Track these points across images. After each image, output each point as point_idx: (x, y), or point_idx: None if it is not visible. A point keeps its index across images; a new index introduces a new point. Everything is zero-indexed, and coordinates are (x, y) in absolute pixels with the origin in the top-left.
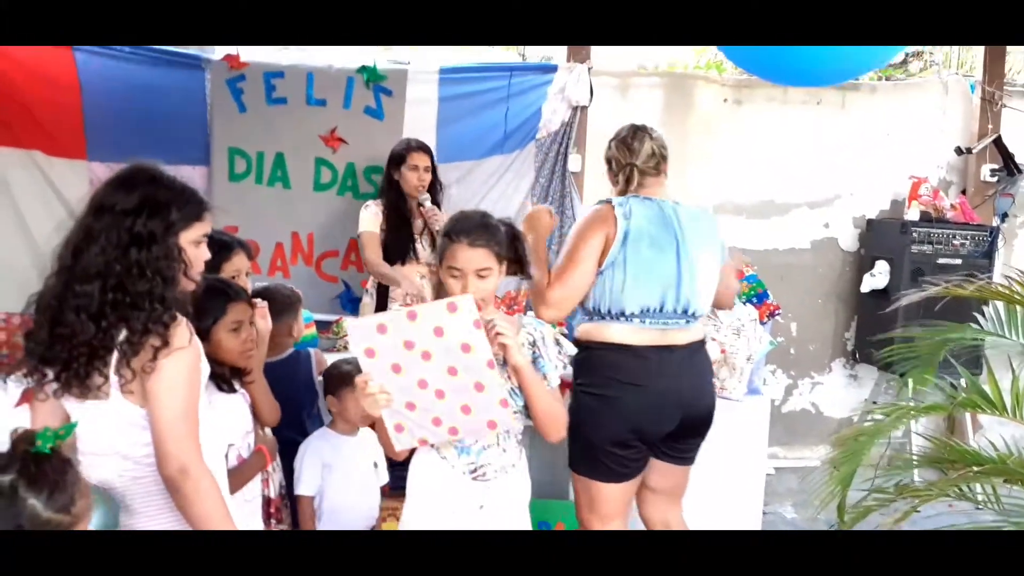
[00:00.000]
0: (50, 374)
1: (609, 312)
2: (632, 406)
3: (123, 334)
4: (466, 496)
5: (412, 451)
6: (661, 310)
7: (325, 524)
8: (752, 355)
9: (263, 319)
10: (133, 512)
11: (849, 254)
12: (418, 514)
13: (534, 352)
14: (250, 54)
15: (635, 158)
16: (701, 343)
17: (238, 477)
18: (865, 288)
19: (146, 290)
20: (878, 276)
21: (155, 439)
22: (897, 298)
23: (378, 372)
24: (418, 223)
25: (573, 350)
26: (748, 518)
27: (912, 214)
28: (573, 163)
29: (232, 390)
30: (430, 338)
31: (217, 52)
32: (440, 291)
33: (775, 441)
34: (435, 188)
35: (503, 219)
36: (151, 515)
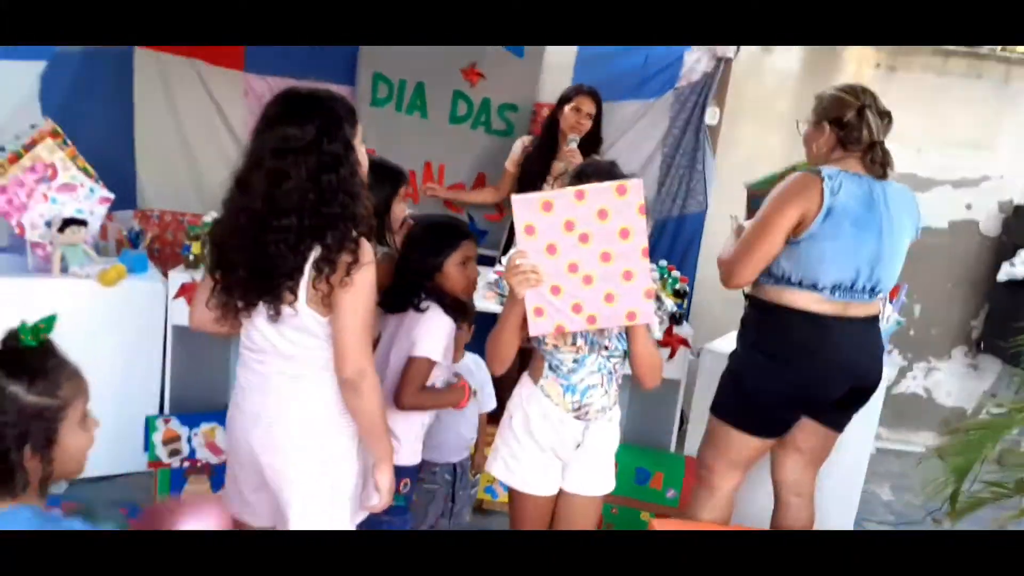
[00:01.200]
0: (237, 298)
1: (800, 282)
2: (805, 371)
3: (315, 252)
4: (567, 433)
5: (512, 385)
6: (852, 287)
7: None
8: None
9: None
10: None
11: (988, 239)
12: (515, 446)
13: None
14: None
15: (884, 134)
16: (877, 316)
17: (433, 397)
18: (1002, 277)
19: (339, 212)
20: (1019, 266)
21: (339, 344)
22: None
23: (533, 251)
24: (559, 164)
25: (672, 307)
26: (847, 494)
27: None
28: (710, 116)
29: (453, 318)
30: (592, 219)
31: None
32: None
33: (881, 422)
34: (596, 139)
35: (632, 174)
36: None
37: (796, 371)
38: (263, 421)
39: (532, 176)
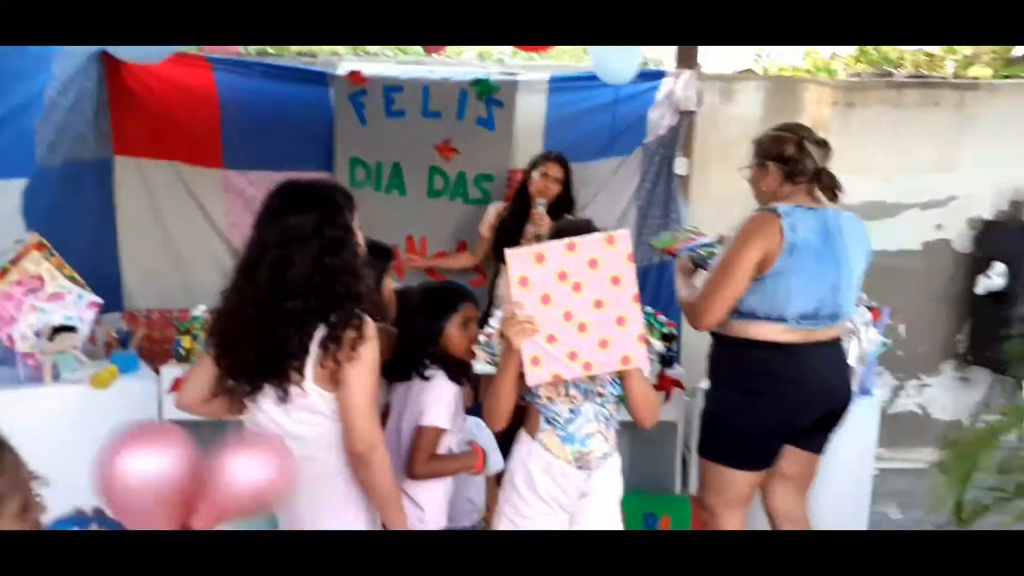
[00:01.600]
0: (244, 383)
1: (767, 316)
2: (784, 399)
3: (320, 332)
4: (569, 484)
5: (511, 441)
6: (816, 315)
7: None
8: (864, 356)
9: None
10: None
11: (962, 256)
12: (520, 504)
13: None
14: (371, 69)
15: (825, 161)
16: (839, 339)
17: (447, 464)
18: (980, 290)
19: (344, 292)
20: (994, 278)
21: (349, 419)
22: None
23: (528, 302)
24: (530, 228)
25: (661, 350)
26: (856, 518)
27: None
28: (679, 167)
29: (458, 381)
30: (584, 269)
31: (341, 68)
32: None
33: (881, 443)
34: (567, 202)
35: (605, 228)
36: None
37: (774, 401)
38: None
39: (506, 240)
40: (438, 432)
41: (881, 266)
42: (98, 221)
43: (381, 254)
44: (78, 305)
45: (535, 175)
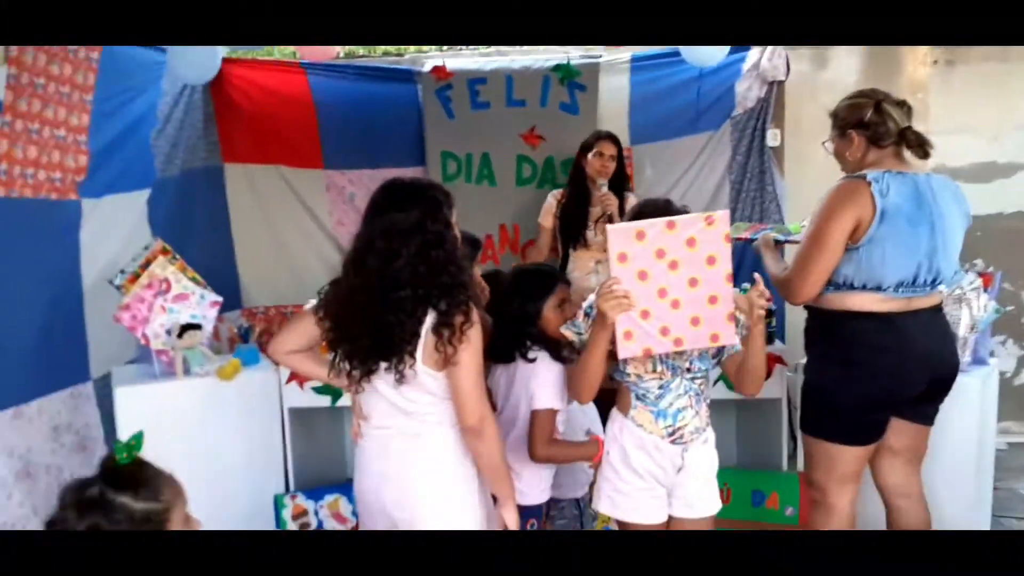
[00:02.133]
0: (358, 366)
1: (863, 285)
2: (883, 370)
3: (430, 318)
4: (665, 459)
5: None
6: (914, 282)
7: (544, 481)
8: (976, 324)
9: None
10: None
11: None
12: (616, 480)
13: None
14: (454, 63)
15: (908, 120)
16: (940, 305)
17: (566, 450)
18: None
19: (449, 281)
20: None
21: (461, 396)
22: None
23: (626, 277)
24: (595, 210)
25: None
26: (978, 493)
27: None
28: (771, 138)
29: (561, 360)
30: (682, 247)
31: (427, 65)
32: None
33: (1008, 415)
34: (622, 178)
35: (685, 207)
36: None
37: (874, 372)
38: (391, 480)
39: (573, 225)
40: (552, 413)
41: (998, 229)
42: (214, 226)
43: (470, 244)
44: (201, 304)
45: (590, 157)
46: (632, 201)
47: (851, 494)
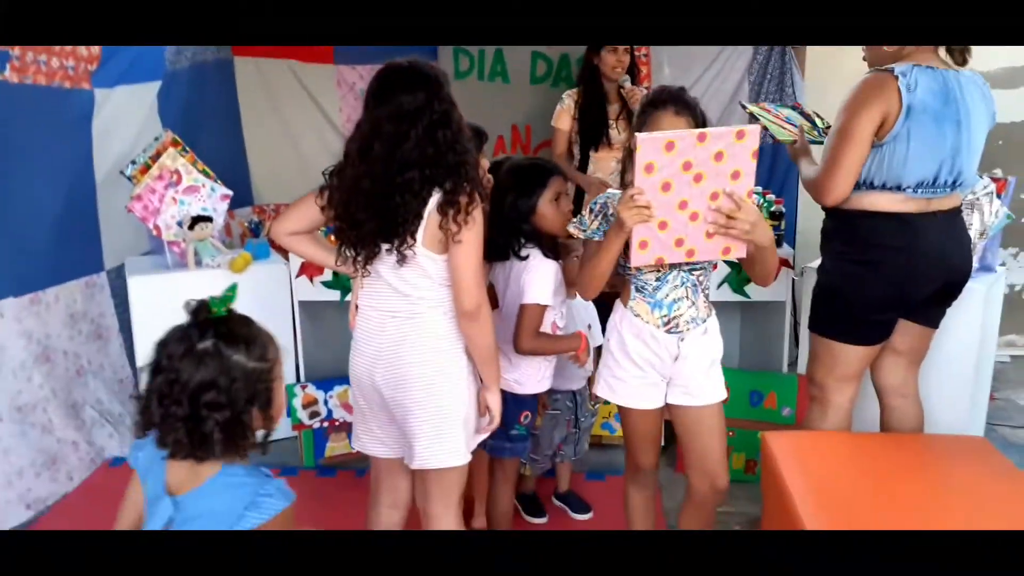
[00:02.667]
0: (362, 251)
1: (883, 184)
2: (898, 270)
3: (435, 198)
4: (661, 348)
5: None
6: (935, 183)
7: (540, 371)
8: (986, 230)
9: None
10: None
11: None
12: (615, 367)
13: None
14: None
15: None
16: (959, 208)
17: (551, 343)
18: None
19: (456, 160)
20: None
21: (460, 279)
22: None
23: (649, 187)
24: (613, 107)
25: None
26: (974, 399)
27: None
28: None
29: (555, 257)
30: (709, 161)
31: None
32: (628, 169)
33: (1013, 329)
34: (634, 71)
35: (694, 99)
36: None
37: (888, 273)
38: (384, 358)
39: (594, 124)
40: (540, 309)
41: (1019, 137)
42: (225, 120)
43: (476, 134)
44: (212, 197)
45: (604, 53)
46: (640, 96)
47: (851, 392)
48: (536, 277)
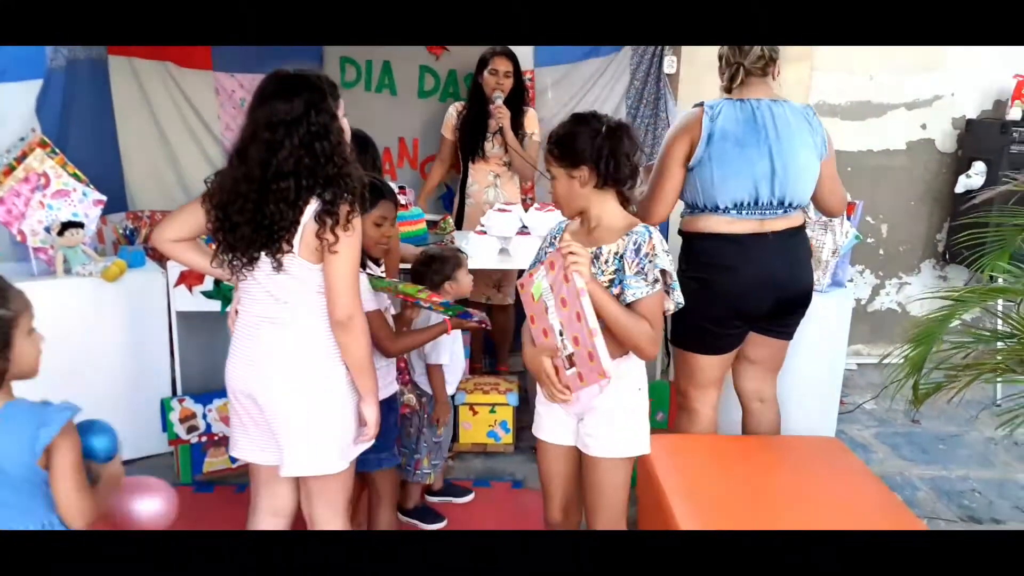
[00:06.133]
0: (239, 256)
1: (705, 206)
2: (727, 289)
3: (313, 207)
4: None
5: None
6: (756, 203)
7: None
8: (837, 249)
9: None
10: None
11: (946, 155)
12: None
13: (618, 264)
14: None
15: (743, 57)
16: (799, 228)
17: (418, 336)
18: (960, 188)
19: (335, 172)
20: (974, 176)
21: (335, 289)
22: (977, 193)
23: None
24: (493, 122)
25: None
26: (825, 404)
27: (1014, 113)
28: (668, 65)
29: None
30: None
31: None
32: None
33: (860, 339)
34: (521, 92)
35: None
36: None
37: (719, 291)
38: (257, 364)
39: (472, 137)
40: (377, 313)
41: (866, 165)
42: (99, 122)
43: (362, 142)
44: (84, 202)
45: (486, 74)
46: (531, 116)
47: (712, 398)
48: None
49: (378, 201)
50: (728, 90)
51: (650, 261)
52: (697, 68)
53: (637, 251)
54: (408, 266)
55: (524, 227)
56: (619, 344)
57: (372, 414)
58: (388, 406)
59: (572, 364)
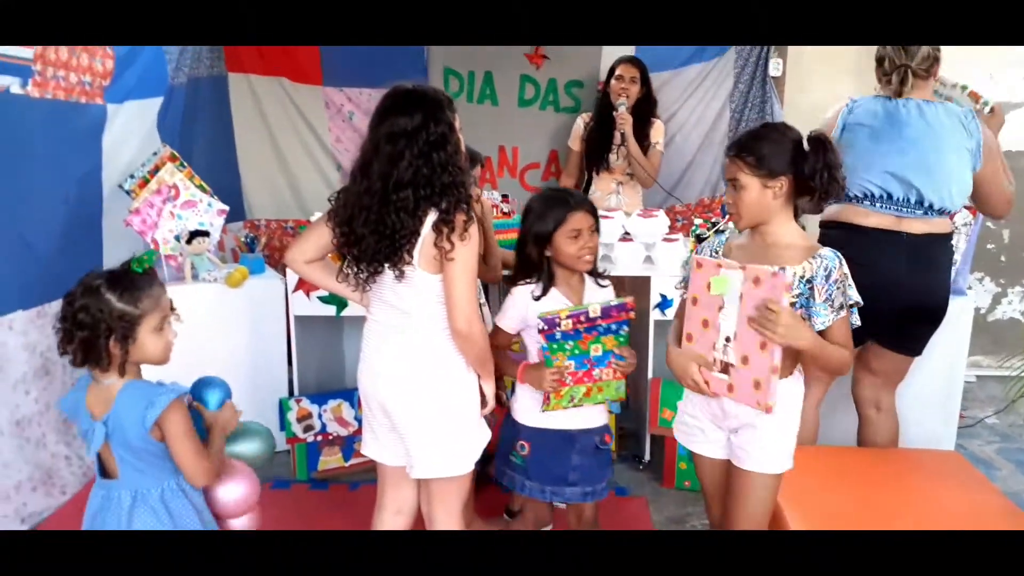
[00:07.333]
0: (363, 267)
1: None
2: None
3: (431, 217)
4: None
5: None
6: (890, 198)
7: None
8: (958, 257)
9: None
10: None
11: None
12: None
13: (803, 288)
14: None
15: (911, 59)
16: (942, 236)
17: (499, 363)
18: None
19: (450, 181)
20: None
21: (453, 297)
22: None
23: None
24: (617, 134)
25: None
26: (945, 417)
27: None
28: (773, 68)
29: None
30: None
31: None
32: None
33: (980, 350)
34: (648, 102)
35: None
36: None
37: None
38: (385, 372)
39: (597, 148)
40: (501, 331)
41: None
42: (218, 136)
43: (470, 158)
44: (209, 212)
45: (613, 80)
46: (658, 127)
47: (815, 396)
48: (507, 301)
49: (566, 214)
50: (899, 94)
51: (838, 288)
52: (803, 70)
53: (827, 277)
54: (509, 272)
55: (626, 233)
56: (805, 365)
57: (489, 389)
58: (576, 442)
59: (725, 371)
